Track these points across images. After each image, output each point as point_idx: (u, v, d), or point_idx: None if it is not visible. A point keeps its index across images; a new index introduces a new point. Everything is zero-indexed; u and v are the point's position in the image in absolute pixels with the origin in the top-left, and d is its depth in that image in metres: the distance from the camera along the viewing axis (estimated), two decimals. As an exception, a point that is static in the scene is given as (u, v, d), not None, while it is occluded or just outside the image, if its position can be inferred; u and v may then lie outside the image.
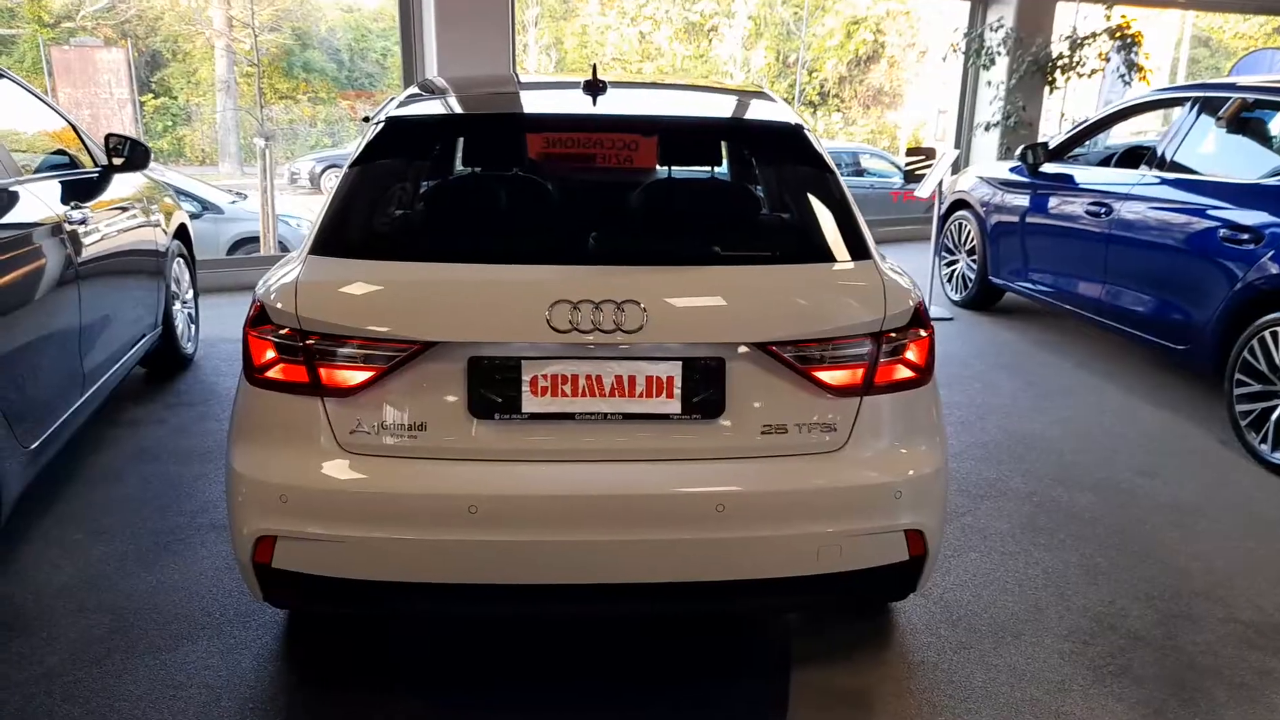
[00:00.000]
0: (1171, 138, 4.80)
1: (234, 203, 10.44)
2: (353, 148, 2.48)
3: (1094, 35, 8.24)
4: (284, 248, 10.06)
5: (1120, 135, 7.15)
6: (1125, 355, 5.62)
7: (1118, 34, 8.20)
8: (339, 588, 2.20)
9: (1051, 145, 5.72)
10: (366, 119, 4.34)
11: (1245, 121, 4.56)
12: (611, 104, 2.55)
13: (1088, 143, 5.82)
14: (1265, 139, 4.57)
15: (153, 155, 4.21)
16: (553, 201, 2.53)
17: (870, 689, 2.53)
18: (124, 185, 4.25)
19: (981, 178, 6.41)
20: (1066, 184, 5.45)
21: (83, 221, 3.51)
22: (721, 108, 2.75)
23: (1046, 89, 8.62)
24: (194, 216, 6.66)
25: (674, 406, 2.15)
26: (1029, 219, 5.73)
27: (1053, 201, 5.50)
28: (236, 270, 7.11)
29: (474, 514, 2.09)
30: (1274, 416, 3.92)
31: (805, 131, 2.51)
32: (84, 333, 3.45)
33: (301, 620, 2.76)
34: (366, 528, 2.12)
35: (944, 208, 6.75)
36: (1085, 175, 5.37)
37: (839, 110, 25.98)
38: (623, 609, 2.30)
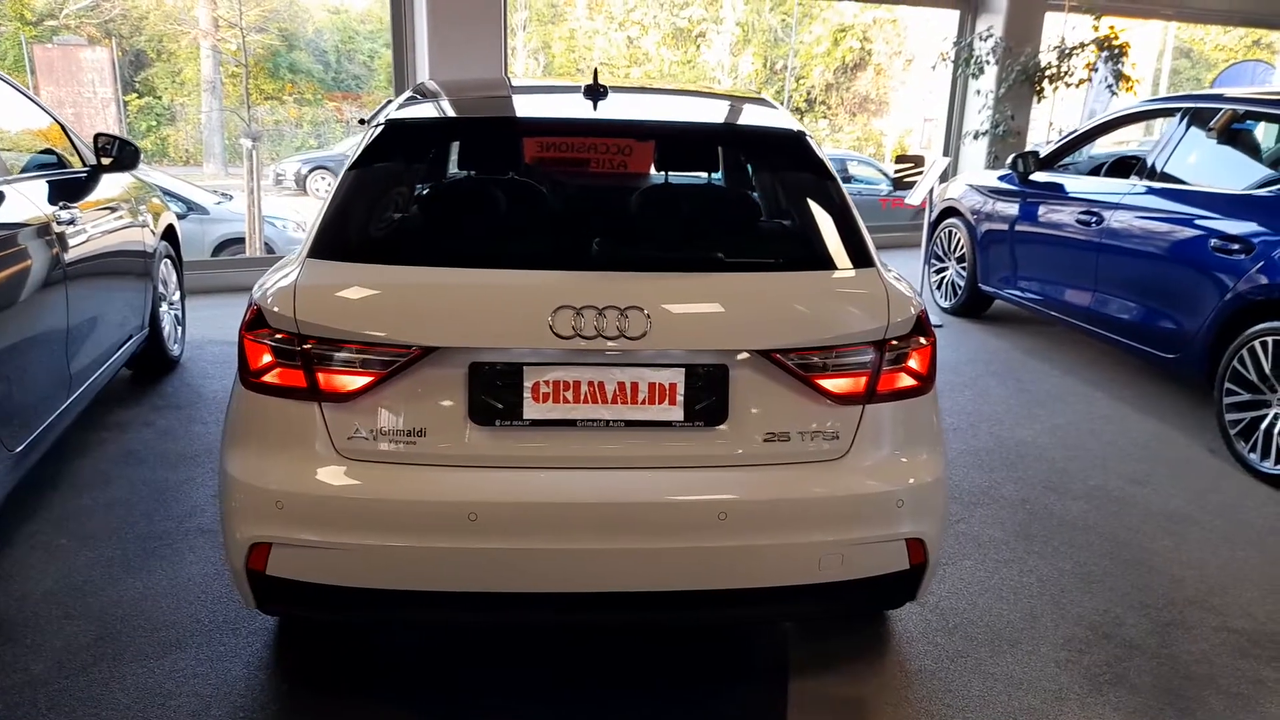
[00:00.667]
0: (1161, 148, 4.83)
1: (219, 203, 10.35)
2: (351, 150, 2.45)
3: (1082, 45, 8.30)
4: (270, 249, 9.99)
5: (1103, 145, 7.18)
6: (1112, 363, 5.65)
7: (1105, 44, 8.26)
8: (335, 595, 2.17)
9: (1042, 154, 5.75)
10: (363, 121, 4.31)
11: (1235, 133, 4.60)
12: (613, 109, 2.54)
13: (1076, 152, 5.84)
14: (1255, 150, 4.61)
15: (142, 155, 4.15)
16: (554, 206, 2.51)
17: (868, 698, 2.51)
18: (112, 185, 4.19)
19: (972, 186, 6.43)
20: (1057, 193, 5.47)
21: (71, 222, 3.46)
22: (723, 114, 2.74)
23: (1035, 98, 8.67)
24: (179, 217, 6.60)
25: (676, 414, 2.13)
26: (1019, 227, 5.76)
27: (1043, 210, 5.53)
28: (223, 272, 7.05)
29: (474, 521, 2.07)
30: (1263, 426, 3.94)
31: (807, 138, 2.51)
32: (71, 334, 3.40)
33: (291, 627, 2.72)
34: (364, 535, 2.09)
35: (934, 215, 6.77)
36: (1076, 184, 5.40)
37: (825, 117, 26.08)
38: (623, 618, 2.28)
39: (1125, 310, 4.81)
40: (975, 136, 8.74)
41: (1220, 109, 4.59)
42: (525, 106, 2.74)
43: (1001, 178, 6.36)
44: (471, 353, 2.10)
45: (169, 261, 4.93)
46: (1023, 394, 5.08)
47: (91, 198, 3.89)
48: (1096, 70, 8.27)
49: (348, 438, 2.12)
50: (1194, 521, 3.61)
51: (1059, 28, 8.56)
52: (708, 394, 2.14)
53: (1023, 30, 8.43)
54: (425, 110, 2.49)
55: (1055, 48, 8.41)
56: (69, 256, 3.39)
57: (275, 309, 2.13)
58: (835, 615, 2.68)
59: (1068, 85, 8.51)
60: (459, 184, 2.43)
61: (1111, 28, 8.34)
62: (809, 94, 25.49)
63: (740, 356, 2.14)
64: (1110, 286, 4.90)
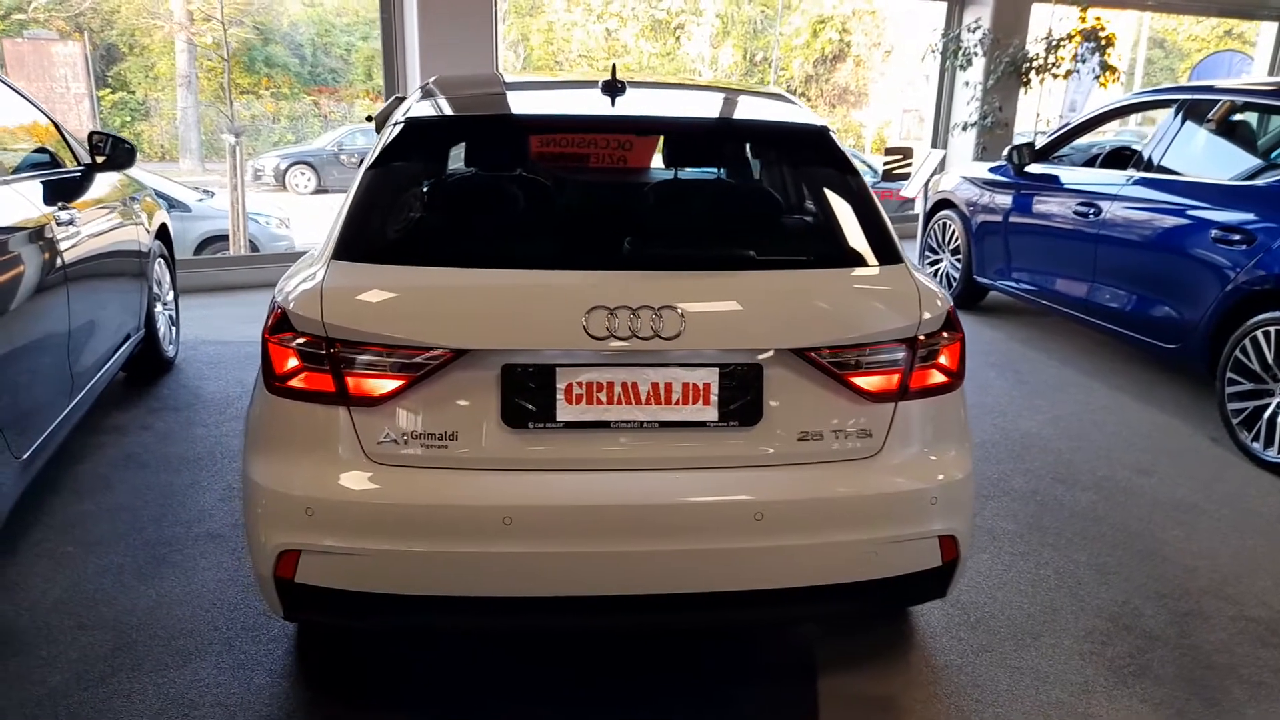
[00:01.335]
0: (1159, 139, 4.86)
1: (201, 200, 10.20)
2: (370, 149, 2.41)
3: (1069, 37, 8.34)
4: (254, 247, 9.87)
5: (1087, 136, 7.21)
6: (1108, 353, 5.69)
7: (1092, 35, 8.31)
8: (366, 602, 2.13)
9: (1038, 146, 5.77)
10: (369, 118, 4.25)
11: (1233, 124, 4.63)
12: (633, 105, 2.51)
13: (1070, 144, 5.87)
14: (1254, 141, 4.65)
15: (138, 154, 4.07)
16: (581, 204, 2.48)
17: (898, 695, 2.51)
18: (107, 184, 4.11)
19: (966, 178, 6.45)
20: (1054, 184, 5.50)
21: (70, 222, 3.39)
22: (745, 109, 2.72)
23: (1022, 89, 8.71)
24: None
25: (710, 414, 2.11)
26: (1016, 219, 5.78)
27: (1040, 201, 5.55)
28: (211, 270, 6.95)
29: (509, 525, 2.04)
30: (1266, 415, 3.98)
31: (831, 133, 2.49)
32: (73, 337, 3.33)
33: (312, 634, 2.69)
34: (396, 541, 2.06)
35: (928, 207, 6.78)
36: (1073, 176, 5.42)
37: (806, 108, 26.06)
38: (659, 621, 2.26)
39: (1124, 301, 4.84)
40: (964, 128, 8.77)
41: (1219, 100, 4.63)
42: (546, 103, 2.70)
43: (994, 169, 6.38)
44: (504, 355, 2.07)
45: (162, 261, 4.84)
46: (1022, 385, 5.10)
47: (87, 197, 3.81)
48: (1084, 61, 8.31)
49: (377, 442, 2.08)
50: (1202, 511, 3.64)
51: (1046, 19, 8.60)
52: (742, 394, 2.12)
53: (1010, 22, 8.46)
54: (445, 108, 2.45)
55: (1043, 39, 8.45)
56: (68, 257, 3.32)
57: (301, 312, 2.09)
58: (867, 614, 2.68)
59: (1054, 76, 8.55)
60: (484, 183, 2.40)
61: (1098, 19, 8.39)
62: (788, 86, 25.51)
63: (774, 355, 2.13)
64: (1109, 277, 4.93)
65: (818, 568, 2.17)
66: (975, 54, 8.53)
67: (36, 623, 2.70)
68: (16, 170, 3.50)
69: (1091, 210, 5.04)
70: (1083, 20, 8.33)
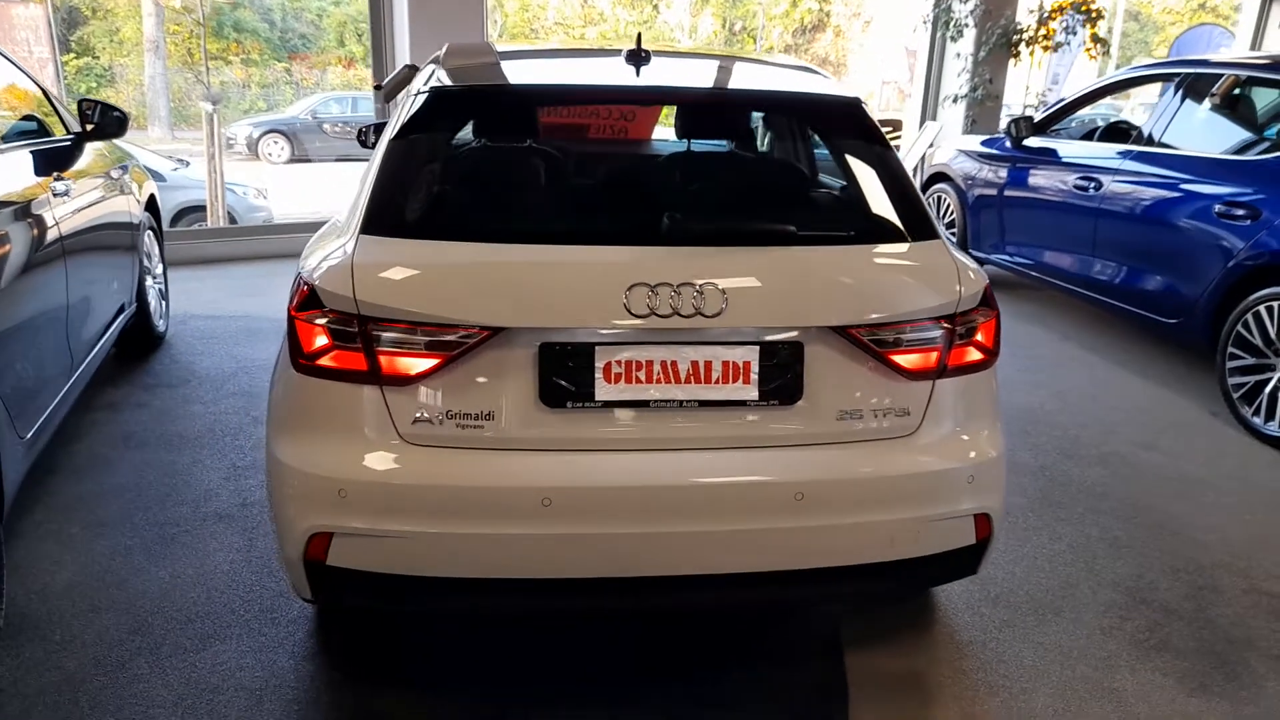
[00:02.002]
0: (1161, 114, 4.86)
1: (176, 170, 9.96)
2: (395, 121, 2.33)
3: (1060, 8, 8.31)
4: (232, 219, 9.67)
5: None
6: (1106, 327, 5.73)
7: (1082, 8, 8.28)
8: (399, 585, 2.10)
9: (1036, 119, 5.75)
10: (378, 87, 4.15)
11: (1236, 98, 4.64)
12: (666, 75, 2.44)
13: (1067, 119, 5.86)
14: (1257, 116, 4.65)
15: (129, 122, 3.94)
16: (616, 178, 2.42)
17: (925, 671, 2.52)
18: (96, 154, 3.98)
19: (963, 151, 6.43)
20: (1053, 158, 5.49)
21: (66, 193, 3.28)
22: (776, 80, 2.66)
23: (1011, 62, 8.68)
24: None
25: (751, 392, 2.08)
26: (1014, 192, 5.78)
27: (1040, 175, 5.55)
28: (196, 243, 6.79)
29: (548, 506, 2.01)
30: (1268, 389, 4.02)
31: (864, 105, 2.45)
32: (71, 311, 3.23)
33: (333, 615, 2.64)
34: (432, 522, 2.02)
35: (922, 180, 6.77)
36: (1074, 149, 5.42)
37: (785, 79, 25.90)
38: (697, 601, 2.24)
39: (1125, 275, 4.85)
40: (954, 100, 8.74)
41: (1222, 75, 4.63)
42: (574, 73, 2.63)
43: (986, 143, 6.37)
44: (541, 333, 2.02)
45: (151, 233, 4.72)
46: (1023, 360, 5.12)
47: (79, 166, 3.69)
48: (1074, 34, 8.30)
49: (412, 422, 2.04)
50: (1208, 485, 3.68)
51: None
52: (782, 372, 2.09)
53: (1000, -7, 8.42)
54: (471, 77, 2.37)
55: (1033, 11, 8.41)
56: (65, 229, 3.22)
57: (331, 288, 2.02)
58: (901, 592, 2.67)
59: (1044, 49, 8.53)
60: (516, 155, 2.33)
61: (1091, -11, 8.37)
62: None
63: (815, 333, 2.10)
64: (1109, 252, 4.95)
65: (856, 547, 2.15)
66: (966, 25, 8.48)
67: (48, 606, 2.64)
68: (5, 139, 3.37)
69: (1092, 184, 5.04)
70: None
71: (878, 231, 2.28)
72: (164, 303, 4.96)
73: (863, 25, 25.93)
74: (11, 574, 2.77)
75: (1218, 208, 4.27)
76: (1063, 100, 5.86)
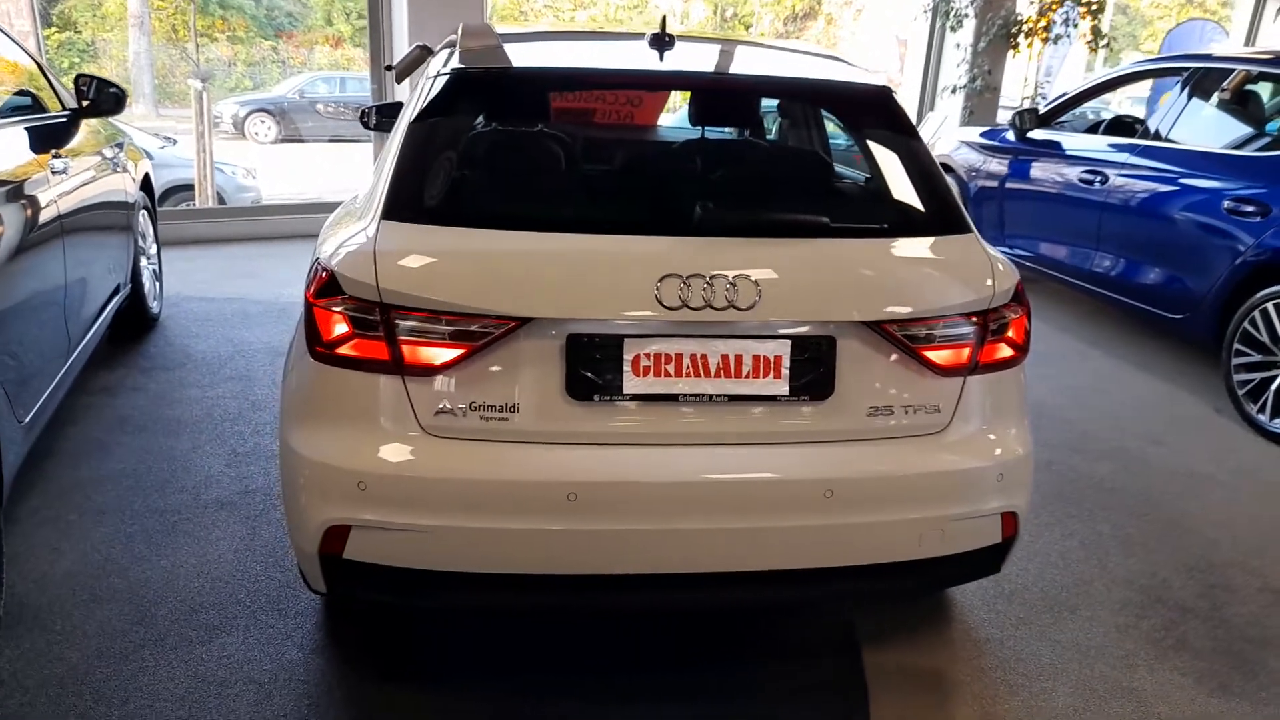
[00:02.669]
0: (1169, 108, 4.84)
1: (163, 148, 9.79)
2: (413, 105, 2.26)
3: (1059, 0, 8.27)
4: (221, 199, 9.54)
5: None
6: (1108, 321, 5.71)
7: (1083, 0, 8.25)
8: (418, 580, 2.05)
9: (1041, 111, 5.72)
10: (389, 67, 4.05)
11: (1247, 94, 4.62)
12: (694, 61, 2.38)
13: (1070, 112, 5.83)
14: (1265, 112, 4.64)
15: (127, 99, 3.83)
16: (645, 165, 2.37)
17: (944, 669, 2.50)
18: (91, 131, 3.88)
19: (965, 142, 6.40)
20: (1059, 151, 5.46)
21: (64, 171, 3.18)
22: (806, 68, 2.61)
23: (1010, 53, 8.64)
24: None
25: (781, 388, 2.04)
26: (1017, 184, 5.75)
27: (1044, 168, 5.52)
28: (187, 223, 6.67)
29: (573, 502, 1.96)
30: (1274, 386, 4.02)
31: (894, 94, 2.40)
32: (69, 292, 3.15)
33: (342, 607, 2.59)
34: (454, 516, 1.97)
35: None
36: (1080, 142, 5.39)
37: (777, 67, 25.75)
38: (721, 599, 2.20)
39: (1130, 270, 4.84)
40: (953, 91, 8.70)
41: (1232, 70, 4.61)
42: (599, 56, 2.56)
43: (986, 134, 6.33)
44: (569, 324, 1.97)
45: (145, 212, 4.61)
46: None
47: (76, 144, 3.59)
48: (1076, 26, 8.26)
49: (434, 413, 1.98)
50: (1216, 482, 3.68)
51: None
52: (813, 367, 2.04)
53: (1002, -17, 8.37)
54: (494, 59, 2.30)
55: (1033, 2, 8.37)
56: (63, 207, 3.13)
57: (353, 275, 1.96)
58: (924, 591, 2.64)
59: (1043, 40, 8.49)
60: (541, 141, 2.27)
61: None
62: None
63: (847, 327, 2.05)
64: (1114, 246, 4.93)
65: (884, 545, 2.12)
66: (966, 15, 8.43)
67: (47, 596, 2.57)
68: (1, 114, 3.27)
69: (1098, 178, 5.01)
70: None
71: (910, 224, 2.23)
72: (158, 284, 4.86)
73: (854, 14, 25.84)
74: (10, 562, 2.69)
75: (1227, 203, 4.25)
76: (1065, 94, 5.83)
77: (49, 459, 3.32)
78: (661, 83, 2.21)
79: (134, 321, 4.51)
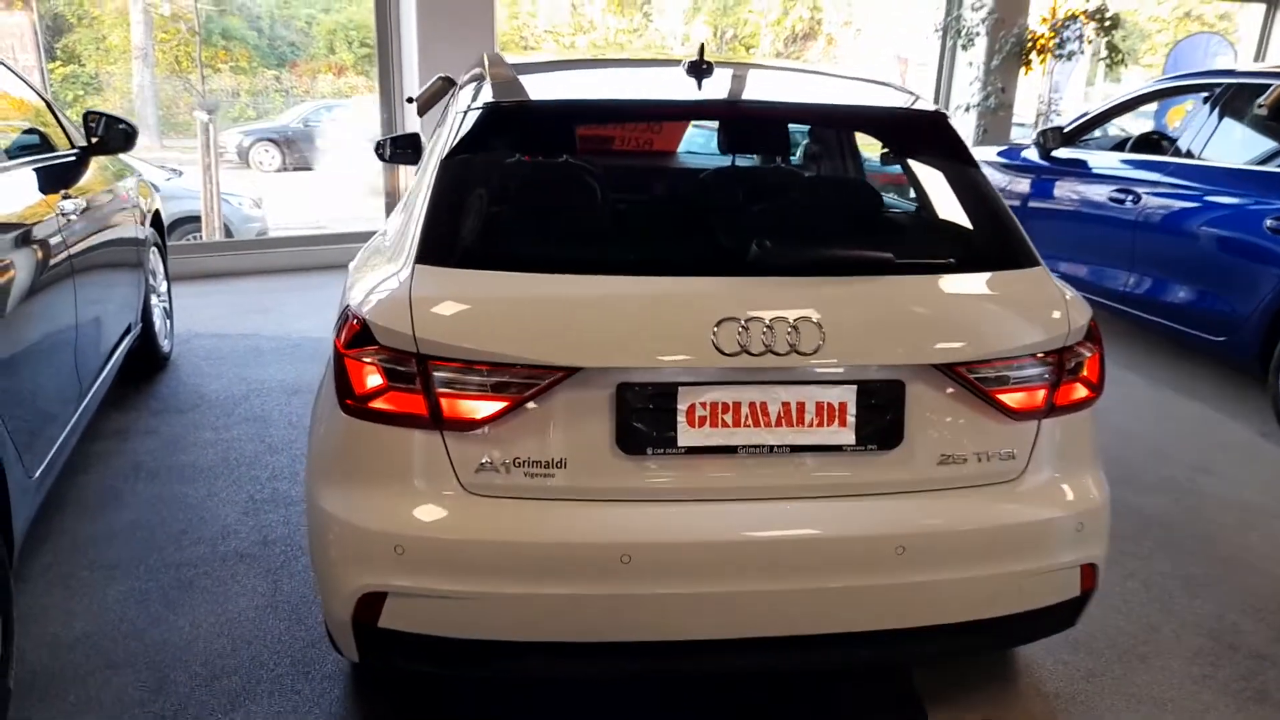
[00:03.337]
0: (1202, 125, 4.72)
1: (169, 180, 9.72)
2: (445, 140, 2.14)
3: (1072, 16, 8.20)
4: (228, 231, 9.46)
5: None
6: (1139, 344, 5.56)
7: (1097, 15, 8.18)
8: (459, 649, 1.91)
9: (1066, 129, 5.61)
10: (410, 99, 3.95)
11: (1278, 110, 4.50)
12: (731, 88, 2.26)
13: (1096, 129, 5.72)
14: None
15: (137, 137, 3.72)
16: (691, 200, 2.24)
17: (1015, 727, 2.34)
18: (101, 167, 3.77)
19: (988, 162, 6.28)
20: (1085, 169, 5.34)
21: (74, 211, 3.07)
22: (853, 93, 2.49)
23: (1022, 70, 8.57)
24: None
25: (847, 436, 1.90)
26: (1041, 204, 5.63)
27: (1071, 187, 5.40)
28: (197, 256, 6.57)
29: (627, 564, 1.82)
30: (1326, 412, 3.88)
31: (949, 120, 2.27)
32: (80, 336, 3.03)
33: (371, 671, 2.44)
34: (499, 582, 1.83)
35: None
36: (1108, 160, 5.27)
37: (778, 87, 25.76)
38: (785, 664, 2.06)
39: (1167, 291, 4.71)
40: (966, 109, 8.61)
41: (1270, 85, 4.49)
42: (642, 86, 2.44)
43: (1003, 153, 6.22)
44: (620, 372, 1.83)
45: (156, 249, 4.50)
46: (1058, 378, 4.96)
47: (84, 182, 3.48)
48: (1090, 43, 8.18)
49: (475, 471, 1.84)
50: (1273, 514, 3.52)
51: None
52: (882, 413, 1.91)
53: (1013, 1, 8.30)
54: (525, 91, 2.18)
55: (1046, 19, 8.30)
56: (74, 249, 3.01)
57: (388, 324, 1.83)
58: (997, 649, 2.48)
59: (1057, 58, 8.41)
60: (583, 176, 2.15)
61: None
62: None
63: (917, 370, 1.92)
64: (1149, 266, 4.80)
65: (961, 603, 1.98)
66: (978, 34, 8.35)
67: (60, 662, 2.43)
68: (9, 153, 3.16)
69: (1130, 197, 4.89)
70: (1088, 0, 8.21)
71: (975, 258, 2.10)
72: (169, 322, 4.74)
73: (854, 34, 25.88)
74: (21, 626, 2.55)
75: (1269, 222, 4.12)
76: (1088, 112, 5.72)
77: (60, 510, 3.19)
78: (713, 112, 2.10)
79: (145, 361, 4.37)
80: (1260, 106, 4.46)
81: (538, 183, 2.22)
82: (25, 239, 2.64)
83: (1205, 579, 3.05)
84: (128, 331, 3.85)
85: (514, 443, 1.84)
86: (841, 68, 2.83)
